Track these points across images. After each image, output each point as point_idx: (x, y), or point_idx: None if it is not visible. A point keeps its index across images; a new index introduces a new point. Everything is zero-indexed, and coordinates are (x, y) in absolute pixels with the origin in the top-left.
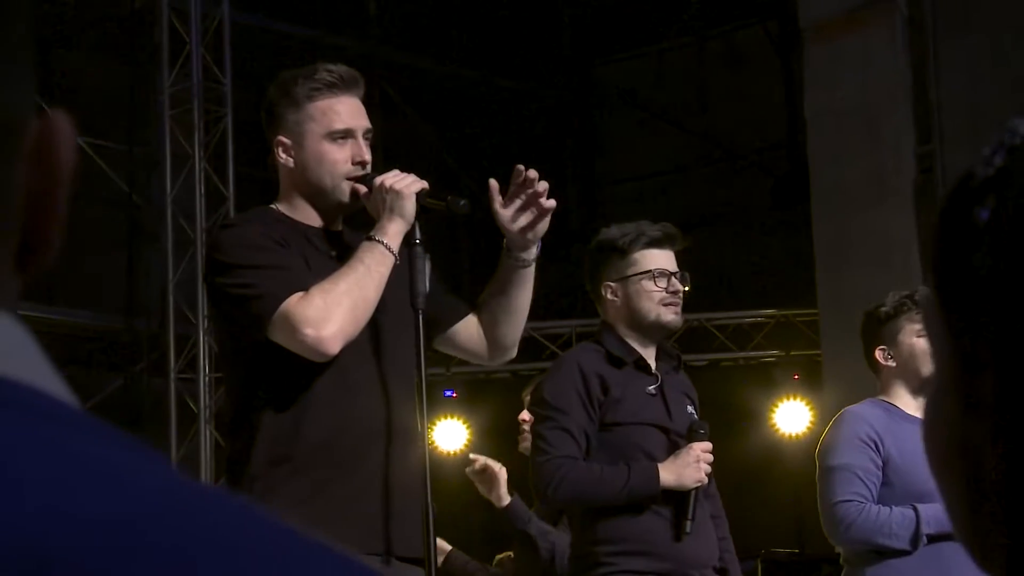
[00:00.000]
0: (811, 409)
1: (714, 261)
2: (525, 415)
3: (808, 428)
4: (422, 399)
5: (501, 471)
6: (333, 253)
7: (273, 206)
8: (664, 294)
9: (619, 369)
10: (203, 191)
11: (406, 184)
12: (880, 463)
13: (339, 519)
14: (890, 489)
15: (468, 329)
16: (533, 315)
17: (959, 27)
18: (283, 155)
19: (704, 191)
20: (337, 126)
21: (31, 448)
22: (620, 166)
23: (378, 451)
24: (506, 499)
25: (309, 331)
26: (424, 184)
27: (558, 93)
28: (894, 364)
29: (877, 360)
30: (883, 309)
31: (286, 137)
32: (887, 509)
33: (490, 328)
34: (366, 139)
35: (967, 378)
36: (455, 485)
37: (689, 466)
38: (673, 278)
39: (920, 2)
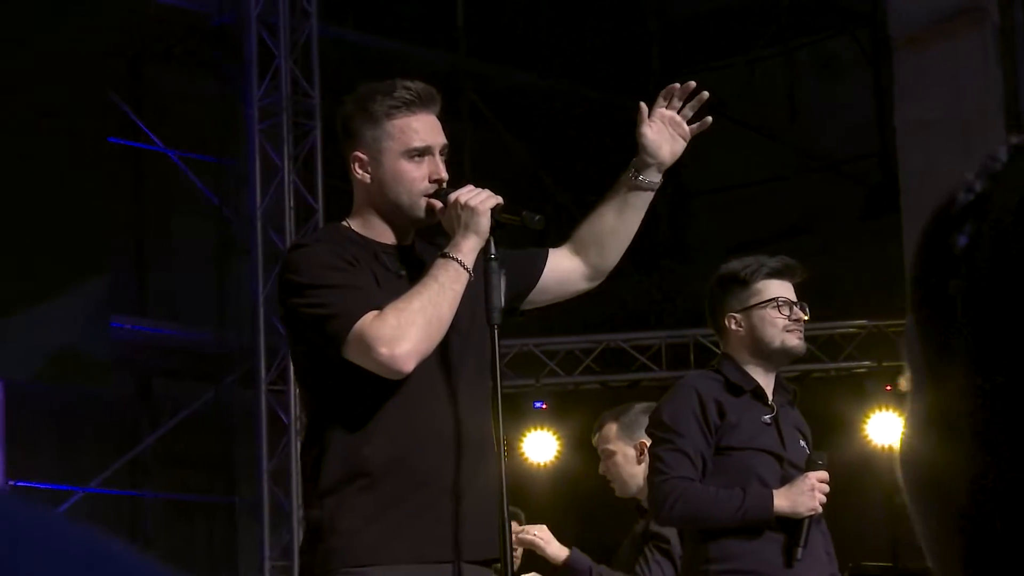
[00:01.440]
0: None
1: (805, 271)
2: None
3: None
4: (498, 412)
5: (541, 533)
6: (403, 271)
7: (344, 223)
8: (787, 321)
9: (736, 397)
10: (292, 204)
11: (480, 200)
12: None
13: (410, 531)
14: None
15: (554, 272)
16: (622, 327)
17: None
18: (359, 171)
19: (795, 201)
20: (415, 144)
21: None
22: (710, 177)
23: (450, 465)
24: (562, 554)
25: (383, 350)
26: (499, 200)
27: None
28: None
29: None
30: None
31: (363, 153)
32: None
33: (593, 250)
34: (443, 156)
35: (943, 408)
36: (546, 496)
37: (804, 494)
38: (795, 307)
39: (1011, 10)
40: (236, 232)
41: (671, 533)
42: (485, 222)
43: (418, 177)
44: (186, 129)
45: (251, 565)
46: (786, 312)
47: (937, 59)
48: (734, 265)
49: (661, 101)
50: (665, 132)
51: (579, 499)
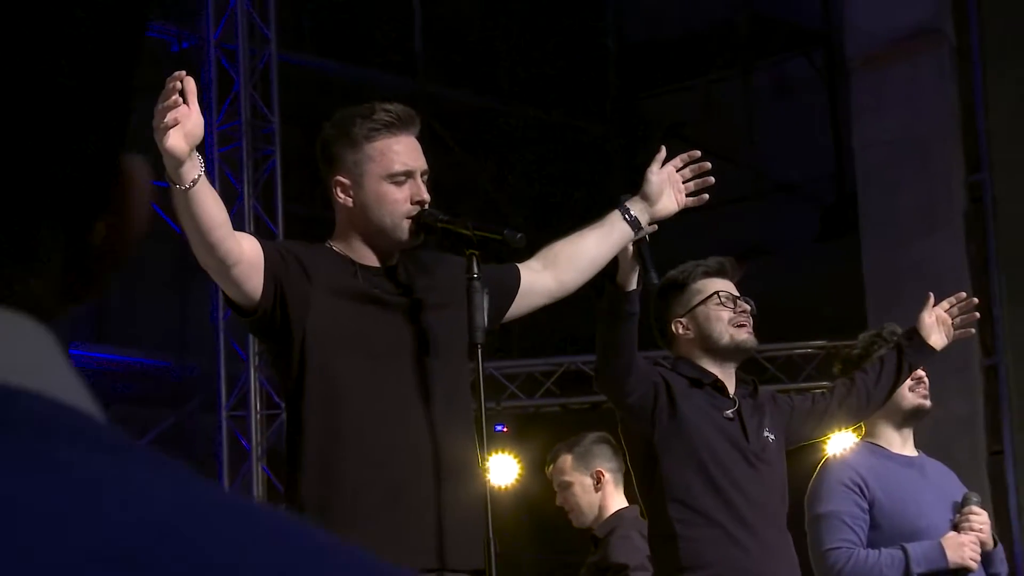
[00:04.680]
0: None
1: (763, 292)
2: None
3: None
4: (482, 432)
5: None
6: (377, 290)
7: (328, 244)
8: (732, 314)
9: (700, 390)
10: (252, 229)
11: (164, 125)
12: (866, 507)
13: (392, 541)
14: (878, 532)
15: (529, 291)
16: (582, 349)
17: (1007, 56)
18: (341, 195)
19: (753, 223)
20: (396, 168)
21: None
22: None
23: (429, 481)
24: None
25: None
26: (186, 123)
27: (605, 127)
28: None
29: None
30: (855, 352)
31: (344, 177)
32: (876, 552)
33: (566, 269)
34: (423, 178)
35: None
36: (508, 519)
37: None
38: (739, 300)
39: (968, 31)
40: (196, 257)
41: (628, 558)
42: (166, 144)
43: (400, 199)
44: (144, 154)
45: None
46: (730, 306)
47: (895, 79)
48: (671, 273)
49: (677, 161)
50: (667, 184)
51: (539, 521)
